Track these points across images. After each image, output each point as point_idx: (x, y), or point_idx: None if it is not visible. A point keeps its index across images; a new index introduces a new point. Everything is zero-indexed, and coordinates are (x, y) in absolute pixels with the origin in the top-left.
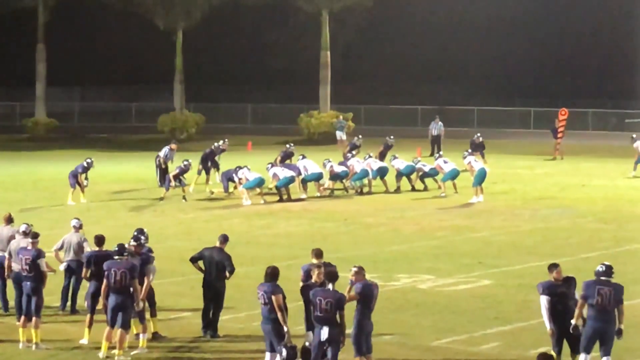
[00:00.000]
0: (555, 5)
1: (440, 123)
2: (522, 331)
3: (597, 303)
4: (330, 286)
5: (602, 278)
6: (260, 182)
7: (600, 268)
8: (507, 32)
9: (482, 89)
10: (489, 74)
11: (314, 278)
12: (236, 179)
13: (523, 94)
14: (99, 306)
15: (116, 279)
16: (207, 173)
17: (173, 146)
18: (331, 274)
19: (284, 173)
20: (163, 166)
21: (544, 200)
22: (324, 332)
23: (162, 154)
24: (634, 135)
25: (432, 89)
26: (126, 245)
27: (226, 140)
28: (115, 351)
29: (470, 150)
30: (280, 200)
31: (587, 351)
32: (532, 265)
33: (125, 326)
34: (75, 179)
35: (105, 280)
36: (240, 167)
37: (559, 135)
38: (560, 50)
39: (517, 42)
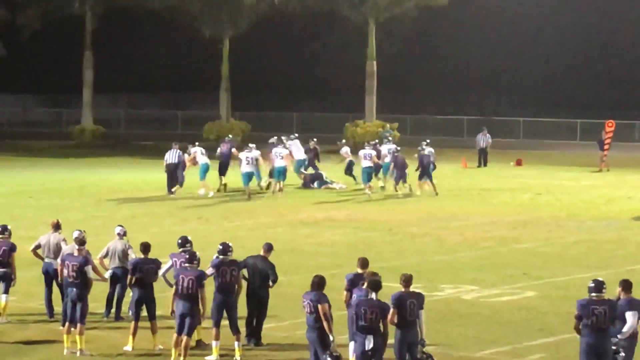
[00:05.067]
0: (603, 17)
1: (488, 135)
2: (566, 343)
3: (592, 323)
4: (373, 295)
5: (594, 296)
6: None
7: (591, 284)
8: (554, 43)
9: (529, 100)
10: (536, 85)
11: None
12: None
13: (570, 105)
14: (144, 313)
15: (184, 285)
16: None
17: (175, 145)
18: (375, 284)
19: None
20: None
21: (590, 212)
22: (369, 342)
23: (175, 159)
24: (342, 141)
25: (478, 100)
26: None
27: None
28: (181, 358)
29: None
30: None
31: None
32: (577, 277)
33: (190, 333)
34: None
35: (174, 287)
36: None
37: (606, 147)
38: (608, 61)
39: (564, 54)
